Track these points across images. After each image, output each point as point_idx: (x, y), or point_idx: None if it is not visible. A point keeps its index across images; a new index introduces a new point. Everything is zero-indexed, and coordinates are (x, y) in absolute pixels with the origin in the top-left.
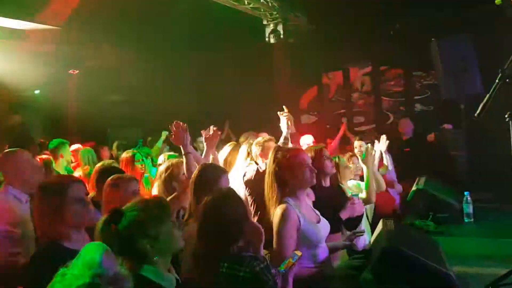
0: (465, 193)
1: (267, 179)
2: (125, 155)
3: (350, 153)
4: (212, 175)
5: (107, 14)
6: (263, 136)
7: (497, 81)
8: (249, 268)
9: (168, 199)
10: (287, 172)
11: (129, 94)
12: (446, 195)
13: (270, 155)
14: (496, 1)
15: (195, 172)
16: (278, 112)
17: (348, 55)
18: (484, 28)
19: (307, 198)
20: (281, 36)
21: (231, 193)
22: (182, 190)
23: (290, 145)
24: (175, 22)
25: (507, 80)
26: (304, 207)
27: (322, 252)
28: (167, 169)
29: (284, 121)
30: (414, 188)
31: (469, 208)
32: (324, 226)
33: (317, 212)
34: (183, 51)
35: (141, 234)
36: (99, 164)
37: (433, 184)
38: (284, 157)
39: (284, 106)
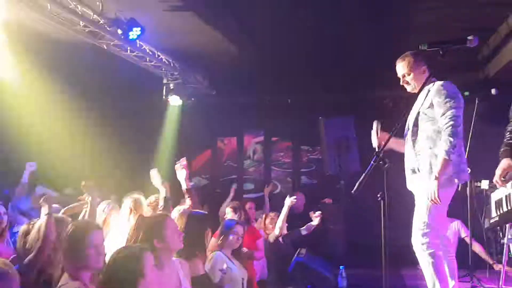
0: (341, 267)
1: None
2: None
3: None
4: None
5: None
6: (150, 196)
7: (372, 162)
8: None
9: None
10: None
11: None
12: (323, 268)
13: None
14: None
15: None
16: (176, 164)
17: (243, 123)
18: (365, 112)
19: None
20: (180, 97)
21: None
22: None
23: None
24: (77, 71)
25: (381, 162)
26: None
27: None
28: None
29: (183, 173)
30: (294, 260)
31: (343, 282)
32: None
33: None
34: (80, 99)
35: None
36: None
37: (312, 257)
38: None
39: (183, 158)
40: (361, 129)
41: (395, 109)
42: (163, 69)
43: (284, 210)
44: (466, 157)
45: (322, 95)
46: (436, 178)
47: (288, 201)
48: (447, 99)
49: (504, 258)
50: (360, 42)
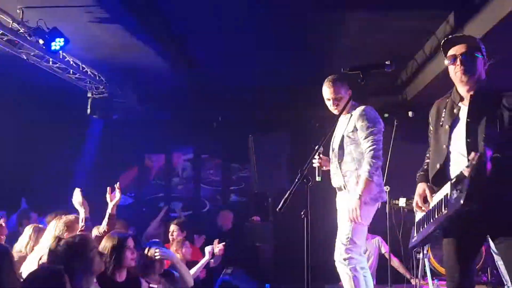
0: (266, 285)
1: None
2: None
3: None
4: None
5: None
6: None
7: (296, 180)
8: None
9: None
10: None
11: None
12: (249, 286)
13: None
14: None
15: None
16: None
17: (172, 140)
18: (296, 130)
19: None
20: (105, 112)
21: None
22: None
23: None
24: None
25: (304, 180)
26: None
27: None
28: None
29: (114, 197)
30: (220, 279)
31: None
32: None
33: None
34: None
35: None
36: None
37: (239, 275)
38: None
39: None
40: (290, 147)
41: (321, 129)
42: (88, 82)
43: (202, 261)
44: (385, 176)
45: (253, 112)
46: (359, 197)
47: (209, 248)
48: (369, 124)
49: (420, 272)
50: (287, 63)
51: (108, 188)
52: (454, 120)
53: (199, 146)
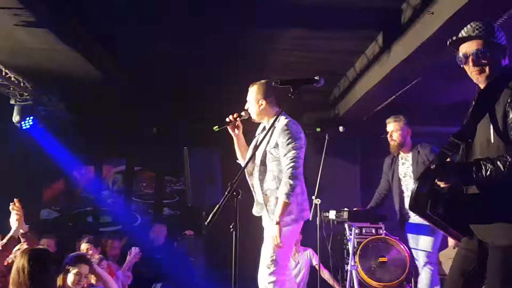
0: None
1: None
2: None
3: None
4: None
5: None
6: None
7: (226, 193)
8: None
9: None
10: None
11: None
12: None
13: None
14: (214, 128)
15: None
16: (11, 205)
17: (103, 151)
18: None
19: None
20: (30, 120)
21: None
22: None
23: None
24: None
25: (234, 193)
26: None
27: None
28: None
29: (13, 216)
30: None
31: None
32: None
33: None
34: None
35: None
36: None
37: None
38: None
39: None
40: (225, 161)
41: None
42: (11, 88)
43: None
44: (316, 188)
45: (188, 125)
46: (277, 223)
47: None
48: (289, 140)
49: (349, 283)
50: (219, 77)
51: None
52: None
53: (133, 158)
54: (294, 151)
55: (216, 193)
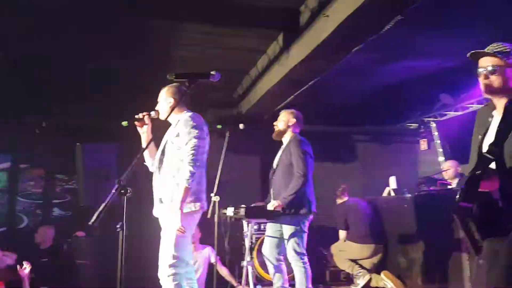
0: None
1: None
2: None
3: None
4: None
5: None
6: None
7: (113, 191)
8: None
9: None
10: None
11: None
12: None
13: None
14: (123, 123)
15: None
16: None
17: None
18: (125, 140)
19: None
20: None
21: None
22: None
23: None
24: None
25: (122, 191)
26: None
27: None
28: None
29: None
30: None
31: None
32: None
33: None
34: None
35: None
36: None
37: None
38: None
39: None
40: (120, 158)
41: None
42: None
43: None
44: (215, 186)
45: (81, 119)
46: (179, 208)
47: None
48: (192, 129)
49: (245, 278)
50: (117, 74)
51: None
52: (487, 129)
53: (19, 154)
54: (195, 140)
55: (111, 192)
